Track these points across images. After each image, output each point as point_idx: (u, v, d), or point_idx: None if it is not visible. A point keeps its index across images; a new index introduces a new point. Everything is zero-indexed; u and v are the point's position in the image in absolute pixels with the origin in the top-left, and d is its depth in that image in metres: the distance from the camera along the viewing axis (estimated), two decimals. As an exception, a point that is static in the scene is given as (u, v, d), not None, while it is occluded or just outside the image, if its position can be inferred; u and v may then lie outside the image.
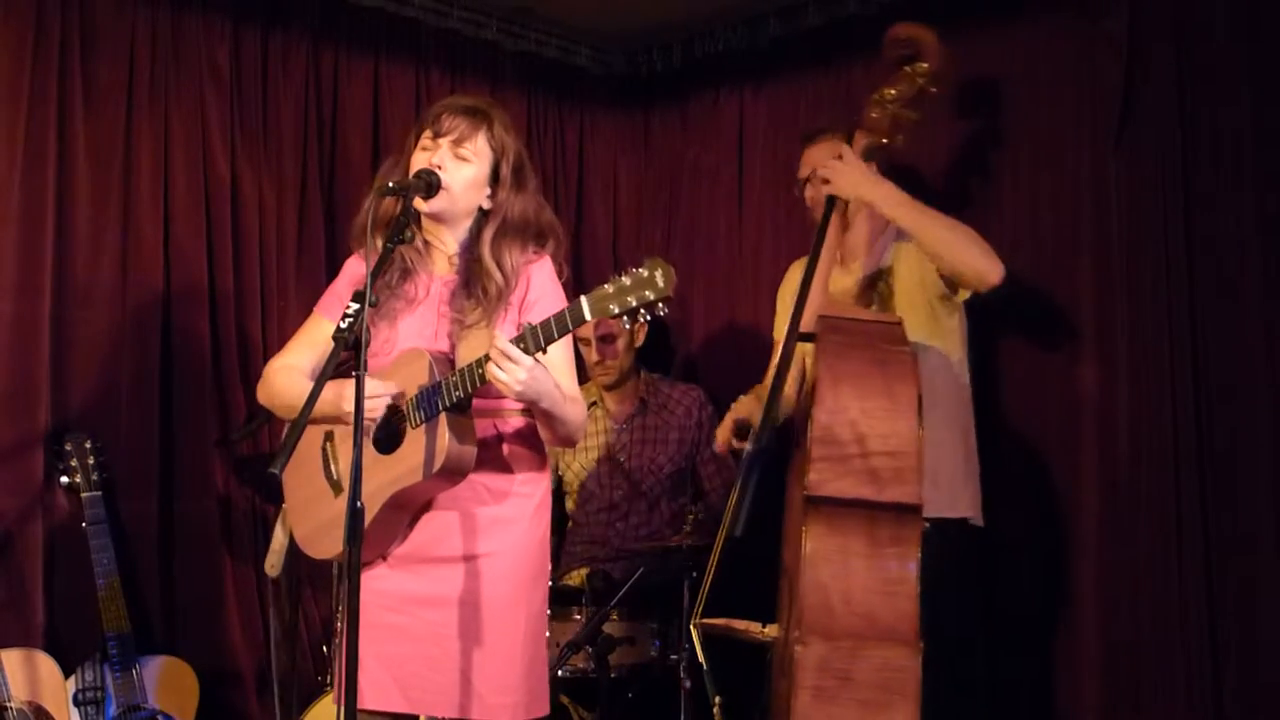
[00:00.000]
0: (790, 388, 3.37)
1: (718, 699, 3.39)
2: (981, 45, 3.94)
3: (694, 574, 3.83)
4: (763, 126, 4.80)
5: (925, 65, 3.49)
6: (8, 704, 3.49)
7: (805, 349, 3.28)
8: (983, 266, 3.38)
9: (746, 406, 3.66)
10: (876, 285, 3.64)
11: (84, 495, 3.74)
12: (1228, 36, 3.64)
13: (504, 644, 2.82)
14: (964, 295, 3.55)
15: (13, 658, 3.56)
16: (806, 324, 3.25)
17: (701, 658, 3.36)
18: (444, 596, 2.82)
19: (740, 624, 3.31)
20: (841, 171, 3.47)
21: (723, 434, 3.68)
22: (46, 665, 3.62)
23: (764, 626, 3.25)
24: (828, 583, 2.94)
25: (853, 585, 2.94)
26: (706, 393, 4.56)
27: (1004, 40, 4.02)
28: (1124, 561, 3.72)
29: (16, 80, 3.84)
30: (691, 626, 3.37)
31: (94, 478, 3.75)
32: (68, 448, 3.77)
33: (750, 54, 4.81)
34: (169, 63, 4.14)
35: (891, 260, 3.63)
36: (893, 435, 2.99)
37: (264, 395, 3.04)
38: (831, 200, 3.48)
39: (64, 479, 3.78)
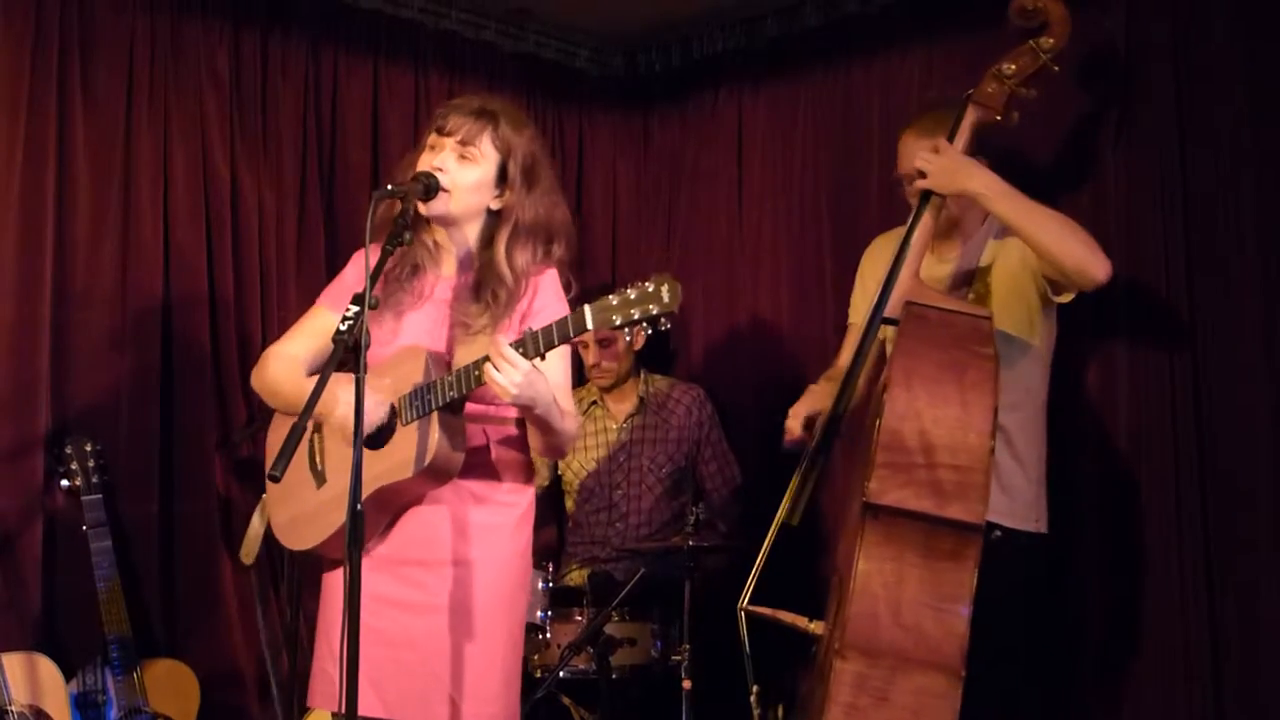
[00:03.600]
0: (867, 369, 3.22)
1: (755, 687, 3.35)
2: (978, 45, 3.93)
3: (695, 574, 3.84)
4: (762, 127, 4.80)
5: (1051, 41, 3.27)
6: (8, 707, 3.49)
7: (886, 333, 3.17)
8: (1089, 263, 3.23)
9: (818, 398, 3.45)
10: (972, 284, 3.48)
11: (84, 498, 3.74)
12: (1225, 35, 3.63)
13: (482, 654, 2.80)
14: (1067, 297, 3.40)
15: (13, 660, 3.56)
16: (893, 308, 3.13)
17: (745, 644, 3.28)
18: (423, 601, 2.81)
19: (787, 615, 3.22)
20: (939, 165, 3.27)
21: (795, 423, 3.43)
22: (47, 668, 3.62)
23: (810, 621, 3.18)
24: (878, 593, 2.84)
25: (904, 598, 2.84)
26: (706, 392, 4.56)
27: (1001, 40, 4.01)
28: (1123, 562, 3.72)
29: (16, 84, 3.85)
30: (738, 610, 3.28)
31: (94, 480, 3.75)
32: (68, 450, 3.77)
33: (749, 54, 4.82)
34: (168, 66, 4.14)
35: (990, 259, 3.48)
36: (962, 449, 2.86)
37: (257, 381, 3.04)
38: (927, 195, 3.29)
39: (64, 481, 3.78)
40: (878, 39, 4.42)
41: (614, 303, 2.51)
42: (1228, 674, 3.51)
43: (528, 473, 2.95)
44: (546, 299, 2.87)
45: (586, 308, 2.53)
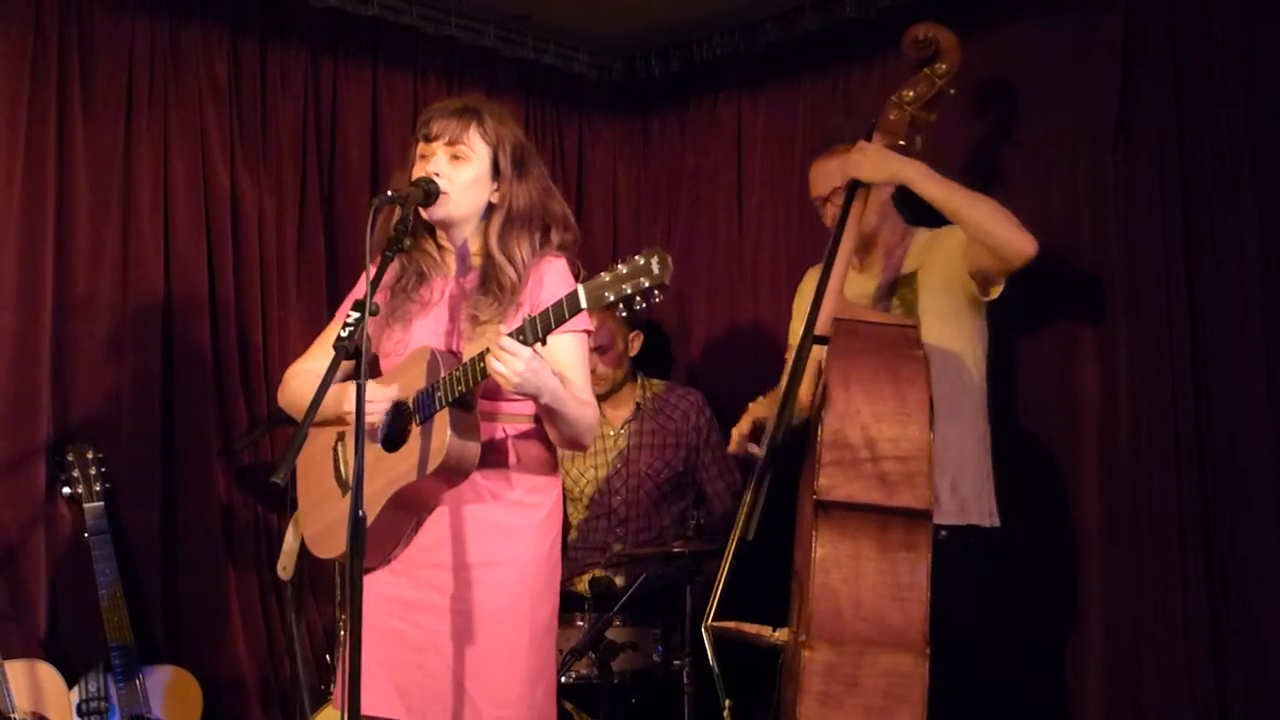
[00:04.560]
0: (805, 391, 3.35)
1: (728, 702, 3.37)
2: (977, 48, 3.93)
3: (696, 578, 3.83)
4: (761, 131, 4.81)
5: (944, 66, 3.48)
6: (11, 715, 3.49)
7: (820, 353, 3.26)
8: (1017, 238, 3.36)
9: (764, 408, 3.61)
10: (897, 291, 3.62)
11: (86, 505, 3.74)
12: (1224, 36, 3.64)
13: (503, 656, 2.79)
14: (996, 291, 3.51)
15: (16, 668, 3.56)
16: (822, 326, 3.24)
17: (713, 661, 3.34)
18: (444, 604, 2.80)
19: (751, 627, 3.28)
20: (867, 154, 3.46)
21: (738, 435, 3.63)
22: (50, 676, 3.63)
23: (774, 630, 3.24)
24: (838, 587, 2.94)
25: (863, 590, 2.93)
26: (706, 397, 4.56)
27: (1000, 42, 4.02)
28: (1126, 562, 3.72)
29: (16, 91, 3.85)
30: (703, 629, 3.34)
31: (96, 488, 3.76)
32: (69, 458, 3.78)
33: (748, 59, 4.82)
34: (168, 74, 4.14)
35: (914, 266, 3.62)
36: (903, 439, 2.98)
37: (283, 399, 3.06)
38: (854, 188, 3.47)
39: (66, 489, 3.78)
40: (876, 43, 4.42)
41: (606, 279, 2.50)
42: (1231, 674, 3.52)
43: (551, 469, 2.93)
44: (555, 288, 2.84)
45: (580, 286, 2.53)
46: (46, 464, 3.83)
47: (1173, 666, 3.60)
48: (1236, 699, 3.51)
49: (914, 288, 3.59)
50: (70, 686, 3.66)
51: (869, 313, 3.42)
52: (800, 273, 4.60)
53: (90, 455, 3.79)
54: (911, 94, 3.49)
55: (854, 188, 3.48)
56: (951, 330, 3.50)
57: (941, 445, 3.24)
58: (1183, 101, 3.70)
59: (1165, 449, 3.65)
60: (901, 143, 3.49)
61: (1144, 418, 3.71)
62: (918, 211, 3.63)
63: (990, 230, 3.37)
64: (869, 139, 3.53)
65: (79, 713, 3.65)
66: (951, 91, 3.51)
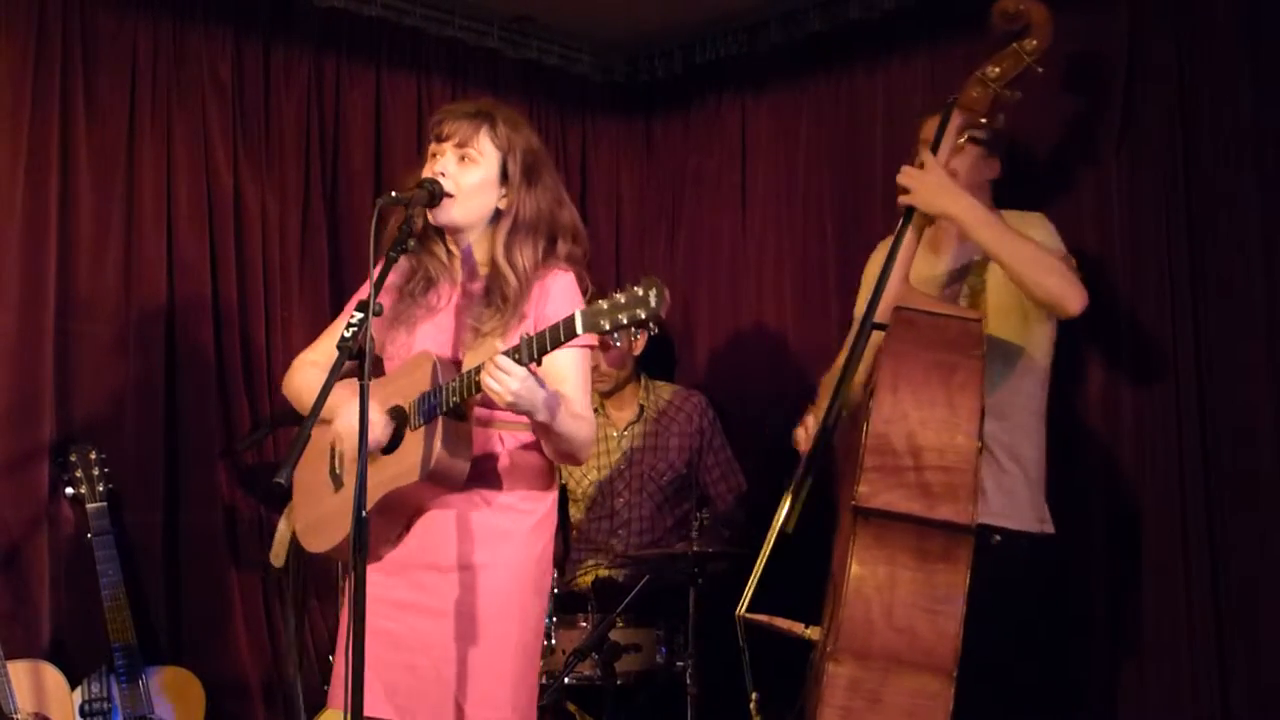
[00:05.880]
0: (860, 376, 3.22)
1: (754, 694, 3.34)
2: (980, 49, 3.93)
3: (700, 580, 3.84)
4: (765, 132, 4.80)
5: (1035, 43, 3.29)
6: (14, 716, 3.49)
7: (877, 340, 3.17)
8: (1063, 294, 3.24)
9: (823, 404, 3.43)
10: (967, 277, 3.49)
11: (89, 506, 3.74)
12: (1228, 36, 3.64)
13: (492, 658, 2.78)
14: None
15: (19, 670, 3.56)
16: (883, 314, 3.14)
17: (744, 650, 3.28)
18: (434, 605, 2.80)
19: (784, 622, 3.22)
20: (923, 183, 3.30)
21: (803, 434, 3.44)
22: (53, 677, 3.62)
23: (807, 627, 3.18)
24: (871, 594, 2.86)
25: (896, 600, 2.85)
26: (708, 398, 4.55)
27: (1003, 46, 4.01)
28: (1130, 565, 3.71)
29: (19, 93, 3.85)
30: (736, 618, 3.28)
31: (99, 489, 3.76)
32: (73, 459, 3.77)
33: (752, 60, 4.81)
34: (171, 75, 4.15)
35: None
36: (949, 449, 2.87)
37: (286, 389, 3.06)
38: (910, 213, 3.31)
39: (69, 490, 3.78)
40: (880, 44, 4.43)
41: (604, 307, 2.50)
42: (1235, 677, 3.51)
43: (547, 479, 2.91)
44: (559, 304, 2.82)
45: (577, 312, 2.53)
46: (49, 464, 3.83)
47: (1176, 670, 3.60)
48: (1240, 702, 3.51)
49: (983, 278, 3.45)
50: (73, 687, 3.66)
51: (934, 302, 3.25)
52: (805, 273, 4.63)
53: (93, 456, 3.79)
54: (997, 70, 3.30)
55: (910, 213, 3.31)
56: (1017, 329, 3.38)
57: (991, 442, 3.17)
58: (1186, 102, 3.69)
59: (1169, 449, 3.65)
60: (984, 120, 3.34)
61: (1147, 418, 3.71)
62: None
63: (1034, 284, 3.25)
64: (947, 116, 3.35)
65: (82, 713, 3.65)
66: (1040, 70, 3.32)
